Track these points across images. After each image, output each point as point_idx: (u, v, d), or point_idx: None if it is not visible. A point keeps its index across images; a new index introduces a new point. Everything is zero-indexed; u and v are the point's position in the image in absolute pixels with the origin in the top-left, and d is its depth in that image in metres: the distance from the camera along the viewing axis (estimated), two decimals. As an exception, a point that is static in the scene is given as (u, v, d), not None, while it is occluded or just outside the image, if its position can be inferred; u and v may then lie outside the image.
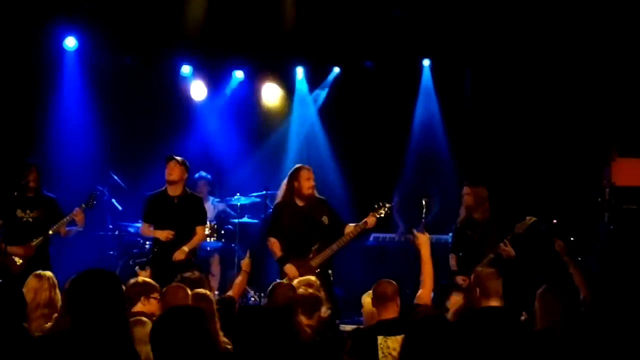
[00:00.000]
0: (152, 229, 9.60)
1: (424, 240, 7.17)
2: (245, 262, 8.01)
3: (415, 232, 7.38)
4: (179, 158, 9.52)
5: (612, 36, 10.85)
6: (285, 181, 9.38)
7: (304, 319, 6.47)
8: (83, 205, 9.51)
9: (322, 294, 6.95)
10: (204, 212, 9.83)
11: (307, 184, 9.22)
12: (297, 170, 9.31)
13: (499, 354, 5.83)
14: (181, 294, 6.52)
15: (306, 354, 6.04)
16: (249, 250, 8.27)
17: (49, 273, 6.99)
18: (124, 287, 6.59)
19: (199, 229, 9.62)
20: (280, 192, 9.43)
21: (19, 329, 5.20)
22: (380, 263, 10.98)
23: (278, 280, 7.04)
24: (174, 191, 9.53)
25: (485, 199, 9.59)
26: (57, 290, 6.86)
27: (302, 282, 7.21)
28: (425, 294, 6.92)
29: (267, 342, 4.97)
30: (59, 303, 6.73)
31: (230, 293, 7.78)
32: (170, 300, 6.41)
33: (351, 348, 6.34)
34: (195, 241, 9.53)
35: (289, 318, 5.85)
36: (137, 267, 8.23)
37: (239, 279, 7.92)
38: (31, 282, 6.88)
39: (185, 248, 9.33)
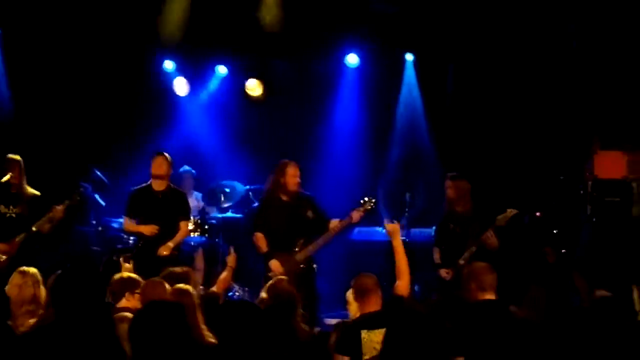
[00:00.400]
0: (134, 223, 9.61)
1: (394, 230, 7.20)
2: (230, 258, 7.99)
3: (385, 222, 7.45)
4: (166, 154, 9.57)
5: (593, 30, 10.87)
6: (271, 176, 9.38)
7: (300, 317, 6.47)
8: (67, 202, 9.44)
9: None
10: (188, 207, 9.88)
11: (292, 180, 9.25)
12: (284, 165, 9.32)
13: (497, 347, 5.87)
14: (159, 288, 6.51)
15: (304, 350, 6.08)
16: (234, 246, 8.28)
17: (33, 269, 6.98)
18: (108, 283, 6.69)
19: (182, 224, 9.66)
20: (266, 187, 9.44)
21: (3, 327, 5.18)
22: (365, 257, 10.99)
23: (277, 276, 7.02)
24: (159, 186, 9.58)
25: (466, 192, 9.63)
26: (42, 287, 6.83)
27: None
28: (402, 284, 6.92)
29: (267, 339, 5.01)
30: (44, 299, 6.75)
31: (214, 289, 7.78)
32: (148, 295, 6.41)
33: (336, 342, 6.35)
34: (179, 236, 9.58)
35: (290, 315, 5.90)
36: (121, 258, 8.19)
37: (223, 275, 7.88)
38: (15, 278, 6.88)
39: (170, 244, 9.39)
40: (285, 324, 6.11)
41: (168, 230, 9.47)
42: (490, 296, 6.47)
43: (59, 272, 5.25)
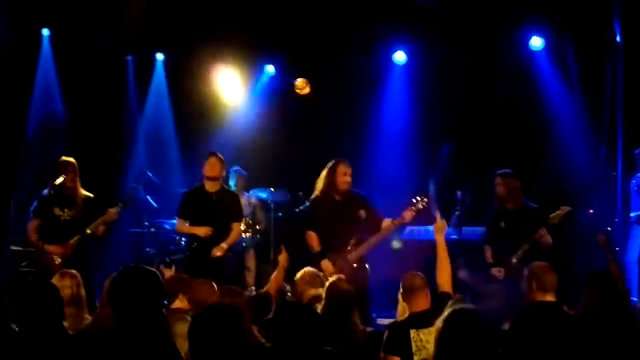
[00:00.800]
0: (187, 225, 9.66)
1: (440, 227, 7.24)
2: (282, 257, 7.98)
3: (436, 216, 7.45)
4: (219, 155, 9.59)
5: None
6: (322, 175, 9.35)
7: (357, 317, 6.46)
8: (120, 204, 9.49)
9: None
10: (240, 209, 9.94)
11: (343, 179, 9.19)
12: (335, 164, 9.26)
13: (557, 349, 5.82)
14: (206, 287, 6.58)
15: (361, 351, 6.08)
16: (284, 245, 8.28)
17: (73, 271, 7.00)
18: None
19: (235, 225, 9.69)
20: (317, 186, 9.42)
21: (57, 328, 5.24)
22: (416, 257, 10.93)
23: (337, 276, 7.02)
24: (212, 187, 9.61)
25: (517, 189, 9.55)
26: (82, 288, 6.90)
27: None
28: (444, 279, 6.91)
29: (324, 341, 5.02)
30: (84, 300, 6.83)
31: (266, 289, 7.79)
32: (196, 295, 6.48)
33: (386, 343, 6.34)
34: (232, 238, 9.61)
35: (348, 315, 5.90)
36: (161, 265, 8.25)
37: (275, 274, 7.91)
38: (54, 280, 6.90)
39: (224, 245, 9.43)
40: (343, 324, 6.10)
41: (221, 232, 9.51)
42: (551, 297, 6.41)
43: (115, 274, 5.32)
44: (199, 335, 4.70)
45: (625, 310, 6.39)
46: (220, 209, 9.58)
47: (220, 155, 9.63)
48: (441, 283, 6.88)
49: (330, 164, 9.32)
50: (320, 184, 9.36)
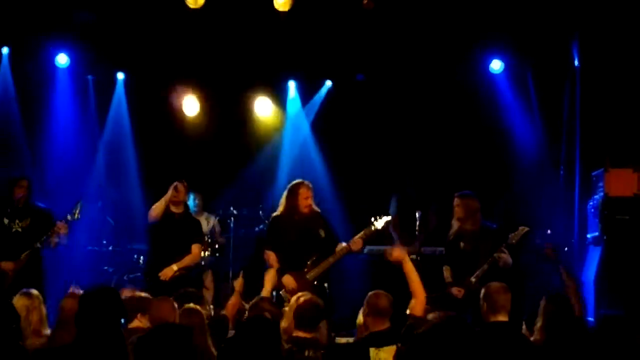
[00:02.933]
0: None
1: (400, 254, 7.21)
2: (238, 282, 8.02)
3: (386, 250, 7.46)
4: (184, 182, 9.57)
5: (598, 46, 10.90)
6: (284, 195, 9.41)
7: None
8: (68, 217, 9.41)
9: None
10: (201, 232, 9.97)
11: (304, 202, 9.25)
12: (297, 186, 9.34)
13: None
14: (166, 306, 6.53)
15: None
16: (242, 271, 8.28)
17: (35, 291, 6.91)
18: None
19: (194, 247, 9.62)
20: (279, 206, 9.46)
21: (16, 347, 5.17)
22: (375, 276, 10.96)
23: (259, 296, 7.04)
24: (176, 209, 9.56)
25: (476, 210, 9.59)
26: (43, 307, 6.84)
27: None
28: (418, 303, 6.91)
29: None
30: (45, 319, 6.76)
31: (224, 312, 7.77)
32: (155, 314, 6.43)
33: None
34: (186, 260, 9.47)
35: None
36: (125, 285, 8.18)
37: (232, 300, 7.90)
38: (21, 300, 6.79)
39: (174, 266, 9.31)
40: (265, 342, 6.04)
41: (181, 253, 9.46)
42: (502, 317, 6.44)
43: (81, 292, 5.29)
44: (144, 354, 4.68)
45: (580, 331, 6.43)
46: (182, 230, 9.54)
47: (185, 183, 9.58)
48: (413, 307, 6.87)
49: (291, 185, 9.38)
50: (282, 203, 9.41)
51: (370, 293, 6.73)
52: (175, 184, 9.46)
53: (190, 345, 4.82)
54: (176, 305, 6.53)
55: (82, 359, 4.75)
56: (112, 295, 5.06)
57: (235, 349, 5.08)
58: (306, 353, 6.26)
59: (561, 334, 6.23)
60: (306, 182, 9.38)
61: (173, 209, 9.54)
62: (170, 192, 9.42)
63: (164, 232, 9.49)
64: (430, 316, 6.20)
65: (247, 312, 6.69)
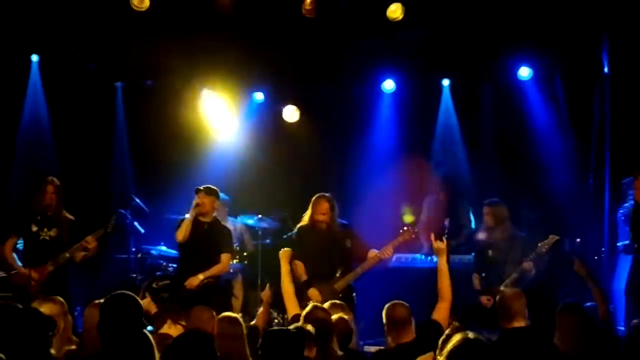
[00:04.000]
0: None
1: (441, 248, 7.30)
2: (265, 294, 8.04)
3: (433, 238, 7.45)
4: (205, 188, 9.59)
5: (634, 56, 10.82)
6: (309, 206, 9.53)
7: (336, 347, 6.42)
8: (100, 231, 9.39)
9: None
10: (231, 241, 9.93)
11: (321, 217, 9.38)
12: (315, 200, 9.48)
13: None
14: (206, 315, 6.59)
15: None
16: (269, 281, 8.29)
17: (60, 298, 6.86)
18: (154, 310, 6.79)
19: (224, 256, 9.64)
20: (304, 216, 9.57)
21: (45, 356, 5.19)
22: (404, 284, 10.93)
23: (313, 303, 7.04)
24: (205, 218, 9.60)
25: (505, 218, 9.58)
26: (68, 315, 6.81)
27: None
28: (443, 306, 6.95)
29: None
30: (71, 327, 6.77)
31: (254, 323, 7.79)
32: (195, 321, 6.48)
33: None
34: (213, 270, 9.50)
35: (323, 343, 5.89)
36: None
37: (261, 310, 7.96)
38: (48, 307, 6.81)
39: (201, 276, 9.34)
40: (321, 351, 6.06)
41: (209, 262, 9.50)
42: (518, 323, 6.40)
43: (102, 300, 5.32)
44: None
45: (602, 338, 6.39)
46: (210, 240, 9.56)
47: (207, 189, 9.61)
48: (439, 308, 6.90)
49: (313, 198, 9.50)
50: (306, 214, 9.54)
51: (386, 306, 6.70)
52: (195, 201, 9.48)
53: (214, 353, 4.88)
54: (214, 314, 6.58)
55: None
56: (131, 302, 5.10)
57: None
58: None
59: (582, 343, 6.18)
60: (325, 195, 9.48)
61: (201, 218, 9.57)
62: (192, 210, 9.46)
63: (192, 242, 9.52)
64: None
65: (301, 320, 6.67)
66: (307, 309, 6.72)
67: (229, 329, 6.29)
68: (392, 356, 6.34)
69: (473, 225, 11.28)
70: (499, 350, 5.89)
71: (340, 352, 6.35)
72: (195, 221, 9.55)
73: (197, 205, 9.48)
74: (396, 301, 6.77)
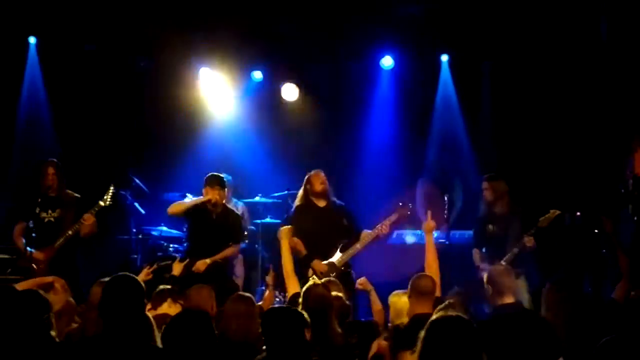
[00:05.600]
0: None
1: (429, 227, 7.64)
2: (270, 278, 8.08)
3: (428, 216, 7.75)
4: (221, 181, 9.48)
5: (626, 24, 10.77)
6: (301, 188, 9.63)
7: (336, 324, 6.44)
8: (100, 203, 9.34)
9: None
10: (240, 230, 9.87)
11: (319, 187, 9.47)
12: (309, 177, 9.59)
13: (518, 350, 5.81)
14: (204, 293, 6.60)
15: (339, 354, 6.06)
16: (272, 265, 8.33)
17: (60, 280, 6.91)
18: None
19: (232, 247, 9.59)
20: (298, 197, 9.66)
21: (46, 338, 5.19)
22: (403, 260, 10.95)
23: (313, 281, 7.08)
24: (215, 209, 9.49)
25: (504, 193, 9.59)
26: (70, 298, 6.85)
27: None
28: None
29: (296, 344, 5.10)
30: (74, 309, 6.80)
31: (261, 304, 7.81)
32: (194, 300, 6.50)
33: (398, 341, 6.29)
34: (221, 255, 9.41)
35: (323, 320, 5.91)
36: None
37: (267, 294, 7.98)
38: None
39: (208, 260, 9.25)
40: (321, 328, 6.07)
41: (217, 251, 9.42)
42: (509, 299, 6.40)
43: (104, 281, 5.33)
44: (170, 338, 4.98)
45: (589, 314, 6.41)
46: (219, 229, 9.49)
47: (215, 183, 9.47)
48: None
49: (305, 178, 9.61)
50: (300, 194, 9.65)
51: (414, 275, 6.75)
52: (207, 196, 9.37)
53: (212, 330, 5.02)
54: (214, 293, 6.60)
55: (109, 346, 4.81)
56: (133, 283, 5.12)
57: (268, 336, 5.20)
58: None
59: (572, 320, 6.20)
60: (316, 170, 9.60)
61: (211, 209, 9.46)
62: (200, 199, 9.40)
63: (201, 233, 9.47)
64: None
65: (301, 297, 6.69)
66: (307, 285, 6.75)
67: (243, 307, 6.30)
68: (410, 327, 6.33)
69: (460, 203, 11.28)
70: (491, 326, 5.91)
71: (339, 330, 6.38)
72: (204, 211, 9.46)
73: (209, 201, 9.37)
74: (424, 273, 6.88)
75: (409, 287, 6.70)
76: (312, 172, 9.58)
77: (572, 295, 6.48)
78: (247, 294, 6.61)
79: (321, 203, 9.47)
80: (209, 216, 9.46)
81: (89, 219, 9.32)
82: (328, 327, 6.14)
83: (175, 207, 9.56)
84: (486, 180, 9.62)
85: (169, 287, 7.05)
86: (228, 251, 9.49)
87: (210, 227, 9.46)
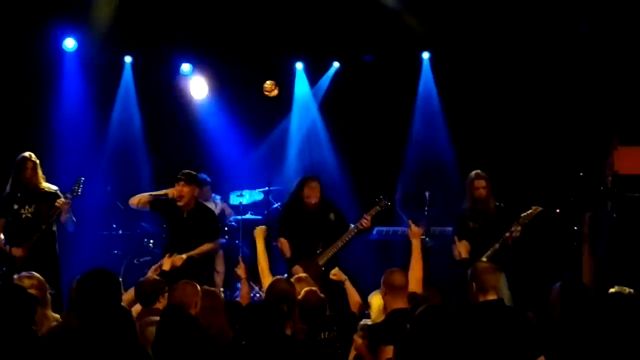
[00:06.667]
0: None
1: (416, 233, 7.77)
2: (240, 270, 8.03)
3: (411, 223, 7.89)
4: (185, 176, 9.36)
5: (612, 25, 10.82)
6: (294, 188, 9.67)
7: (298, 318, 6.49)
8: (68, 195, 9.32)
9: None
10: (215, 227, 9.68)
11: (310, 200, 9.48)
12: (302, 182, 9.60)
13: (499, 347, 5.84)
14: (190, 290, 6.61)
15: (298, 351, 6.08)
16: (241, 256, 8.32)
17: (36, 274, 6.84)
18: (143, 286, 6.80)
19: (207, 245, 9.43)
20: (289, 197, 9.74)
21: (28, 332, 5.18)
22: (385, 256, 11.00)
23: (277, 277, 7.12)
24: (186, 207, 9.37)
25: (491, 190, 9.61)
26: (46, 290, 6.78)
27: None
28: (415, 279, 7.28)
29: (261, 337, 5.13)
30: (49, 302, 6.72)
31: (239, 300, 7.83)
32: (178, 296, 6.51)
33: (370, 345, 6.33)
34: (197, 251, 9.23)
35: (280, 314, 5.91)
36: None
37: (244, 288, 7.96)
38: (25, 284, 6.74)
39: (184, 255, 9.05)
40: (281, 323, 6.07)
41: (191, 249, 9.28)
42: (492, 296, 6.42)
43: (79, 277, 5.32)
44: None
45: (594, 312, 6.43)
46: (192, 227, 9.36)
47: (186, 177, 9.33)
48: (412, 283, 7.02)
49: (300, 180, 9.67)
50: (291, 193, 9.71)
51: (385, 271, 6.79)
52: (174, 191, 9.27)
53: (200, 328, 5.08)
54: (199, 289, 6.62)
55: (89, 342, 4.80)
56: (107, 278, 5.10)
57: (247, 331, 5.20)
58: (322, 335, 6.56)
59: (578, 318, 6.21)
60: (313, 179, 9.58)
61: (182, 207, 9.32)
62: (169, 193, 9.30)
63: (174, 231, 9.41)
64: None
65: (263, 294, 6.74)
66: (270, 280, 6.96)
67: (206, 301, 6.39)
68: (387, 323, 6.37)
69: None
70: (471, 322, 5.93)
71: (302, 325, 6.45)
72: (175, 209, 9.35)
73: (177, 197, 9.25)
74: (395, 268, 6.90)
75: (382, 283, 6.74)
76: (309, 182, 9.53)
77: (578, 293, 6.48)
78: (212, 289, 6.70)
79: (313, 205, 9.50)
80: (180, 215, 9.35)
81: (63, 203, 9.27)
82: (290, 322, 6.18)
83: (135, 199, 9.48)
84: (482, 178, 9.56)
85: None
86: (204, 247, 9.31)
87: (182, 225, 9.34)
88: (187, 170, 9.42)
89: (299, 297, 6.90)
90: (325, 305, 6.96)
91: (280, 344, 5.29)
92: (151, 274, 7.99)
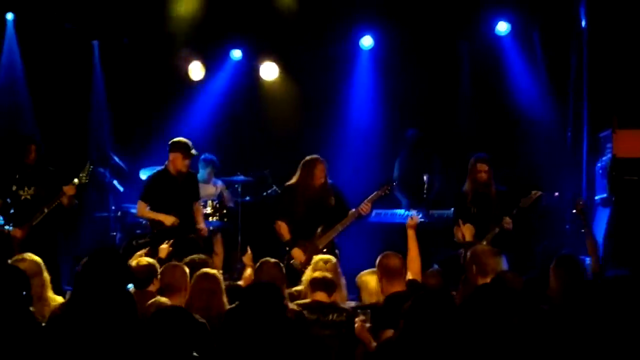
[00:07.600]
0: (148, 209, 9.68)
1: (413, 223, 7.80)
2: (247, 258, 8.10)
3: (410, 215, 8.12)
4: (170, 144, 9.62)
5: (611, 11, 10.80)
6: (300, 167, 9.48)
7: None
8: (75, 181, 9.34)
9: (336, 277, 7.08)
10: (197, 188, 10.02)
11: (319, 181, 9.38)
12: (314, 162, 9.42)
13: (499, 331, 5.84)
14: (178, 272, 6.63)
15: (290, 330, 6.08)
16: (249, 246, 8.38)
17: (35, 257, 6.81)
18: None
19: (196, 205, 9.90)
20: (294, 177, 9.53)
21: (26, 313, 5.18)
22: (383, 239, 10.99)
23: (266, 258, 7.15)
24: (175, 174, 9.65)
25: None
26: (45, 273, 6.76)
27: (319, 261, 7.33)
28: (414, 269, 7.28)
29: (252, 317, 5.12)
30: (48, 285, 6.72)
31: (240, 283, 7.85)
32: (166, 279, 6.52)
33: (373, 327, 6.34)
34: (202, 216, 9.95)
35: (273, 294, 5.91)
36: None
37: (247, 273, 7.95)
38: (22, 265, 6.72)
39: (202, 225, 9.79)
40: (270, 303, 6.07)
41: (186, 214, 9.64)
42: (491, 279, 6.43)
43: (85, 259, 5.31)
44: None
45: (588, 292, 6.43)
46: (184, 192, 9.67)
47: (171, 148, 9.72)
48: (411, 273, 7.00)
49: (309, 159, 9.45)
50: (296, 175, 9.49)
51: (380, 255, 6.79)
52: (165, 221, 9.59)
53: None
54: (187, 271, 6.62)
55: (92, 324, 4.80)
56: (114, 258, 5.10)
57: (241, 314, 5.18)
58: (330, 317, 6.47)
59: (574, 295, 6.22)
60: (321, 159, 9.46)
61: (172, 171, 9.68)
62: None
63: (167, 198, 9.64)
64: None
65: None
66: (259, 261, 7.08)
67: (206, 284, 6.41)
68: (386, 307, 6.38)
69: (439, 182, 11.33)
70: (471, 304, 5.93)
71: (292, 305, 6.46)
72: (167, 175, 9.68)
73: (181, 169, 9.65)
74: (389, 252, 6.89)
75: (378, 268, 6.74)
76: (318, 162, 9.43)
77: (573, 270, 6.49)
78: (212, 271, 6.67)
79: (312, 188, 9.40)
80: (174, 181, 9.65)
81: (69, 189, 9.28)
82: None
83: (143, 213, 9.82)
84: (485, 162, 9.55)
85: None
86: (200, 212, 9.95)
87: (176, 191, 9.64)
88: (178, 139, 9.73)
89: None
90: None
91: (280, 323, 5.27)
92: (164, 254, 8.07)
